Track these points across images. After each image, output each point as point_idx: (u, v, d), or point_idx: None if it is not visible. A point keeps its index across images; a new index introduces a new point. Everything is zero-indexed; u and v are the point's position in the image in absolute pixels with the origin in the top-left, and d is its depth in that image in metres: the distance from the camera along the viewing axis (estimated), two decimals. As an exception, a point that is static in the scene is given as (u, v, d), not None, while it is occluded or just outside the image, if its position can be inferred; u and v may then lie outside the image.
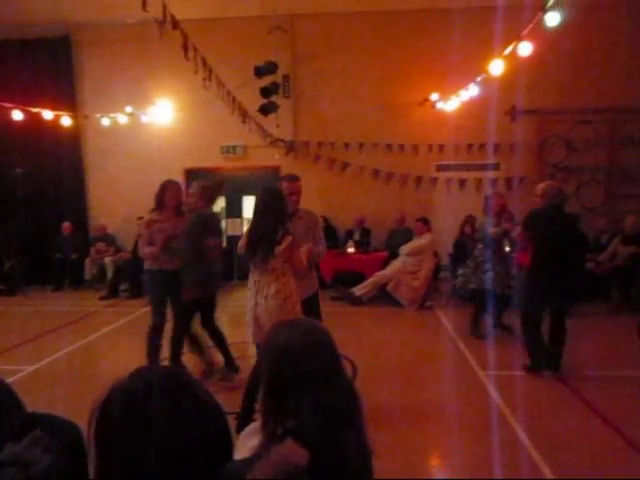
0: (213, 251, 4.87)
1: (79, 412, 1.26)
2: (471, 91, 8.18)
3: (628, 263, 7.84)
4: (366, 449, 1.62)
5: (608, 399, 4.46)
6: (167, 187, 5.12)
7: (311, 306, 4.38)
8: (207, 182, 5.19)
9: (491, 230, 6.41)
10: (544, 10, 4.72)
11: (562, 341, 5.02)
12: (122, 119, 10.13)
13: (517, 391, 4.66)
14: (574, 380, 4.90)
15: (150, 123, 10.42)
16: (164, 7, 3.91)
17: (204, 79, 5.16)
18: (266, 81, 8.89)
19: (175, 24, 4.16)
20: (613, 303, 7.74)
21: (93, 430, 1.03)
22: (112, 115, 10.01)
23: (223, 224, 11.08)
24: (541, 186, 5.23)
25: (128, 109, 10.14)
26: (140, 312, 7.67)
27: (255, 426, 1.78)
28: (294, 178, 4.61)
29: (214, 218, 5.18)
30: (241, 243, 3.92)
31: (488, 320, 6.63)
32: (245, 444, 1.83)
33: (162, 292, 5.00)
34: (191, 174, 10.56)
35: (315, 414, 1.48)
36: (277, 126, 9.87)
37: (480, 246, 6.79)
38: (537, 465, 3.42)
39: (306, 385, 1.52)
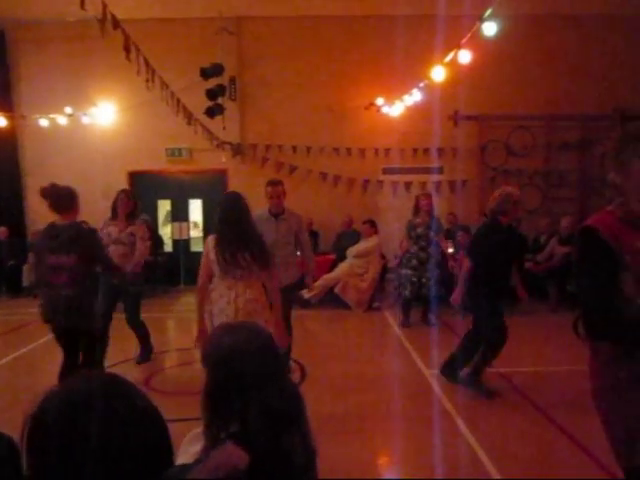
0: (57, 272, 3.88)
1: (10, 425, 1.21)
2: (415, 96, 8.37)
3: (564, 263, 8.19)
4: (310, 450, 1.64)
5: (546, 393, 4.65)
6: (117, 196, 5.50)
7: (290, 293, 5.13)
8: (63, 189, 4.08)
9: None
10: (481, 20, 4.89)
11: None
12: (62, 120, 9.80)
13: (460, 388, 4.79)
14: (514, 375, 5.08)
15: (92, 124, 10.13)
16: (104, 6, 3.81)
17: (147, 80, 5.06)
18: (212, 83, 8.81)
19: (116, 24, 4.07)
20: (551, 301, 8.07)
21: (27, 440, 1.00)
22: (51, 116, 9.67)
23: (168, 229, 10.91)
24: (497, 192, 4.80)
25: (68, 110, 9.83)
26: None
27: (198, 431, 1.76)
28: (276, 182, 5.20)
29: (70, 229, 3.97)
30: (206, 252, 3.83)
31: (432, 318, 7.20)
32: (188, 450, 1.81)
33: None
34: (136, 177, 10.35)
35: (260, 417, 1.49)
36: (224, 129, 9.79)
37: (415, 247, 7.12)
38: (479, 457, 3.54)
39: (250, 389, 1.52)
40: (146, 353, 5.72)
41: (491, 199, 4.74)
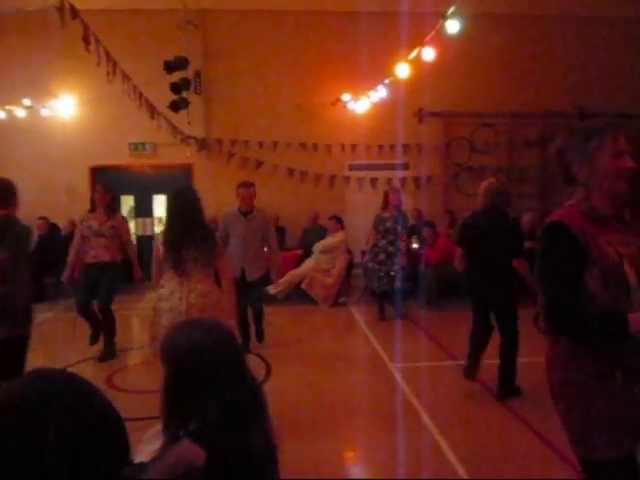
0: None
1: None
2: (380, 93, 8.42)
3: (526, 257, 8.37)
4: (271, 445, 1.64)
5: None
6: (94, 190, 5.89)
7: (258, 287, 5.64)
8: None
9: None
10: (444, 18, 4.95)
11: (506, 361, 4.47)
12: (20, 112, 9.52)
13: (422, 381, 4.87)
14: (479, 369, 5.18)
15: (52, 117, 9.86)
16: (62, -4, 3.72)
17: (108, 73, 4.96)
18: (177, 77, 8.68)
19: (74, 14, 3.96)
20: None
21: None
22: (8, 108, 9.37)
23: (132, 225, 10.72)
24: (483, 184, 4.63)
25: (26, 102, 9.55)
26: (46, 316, 7.27)
27: (158, 429, 1.74)
28: (248, 185, 5.59)
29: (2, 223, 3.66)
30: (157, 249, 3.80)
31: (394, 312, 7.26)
32: (147, 448, 1.79)
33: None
34: (98, 172, 10.13)
35: (218, 414, 1.48)
36: (188, 123, 9.68)
37: (383, 241, 7.17)
38: (442, 450, 3.60)
39: (210, 385, 1.51)
40: (110, 351, 5.72)
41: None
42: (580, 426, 1.84)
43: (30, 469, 0.94)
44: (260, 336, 6.02)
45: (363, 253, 9.35)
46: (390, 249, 7.14)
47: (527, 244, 8.47)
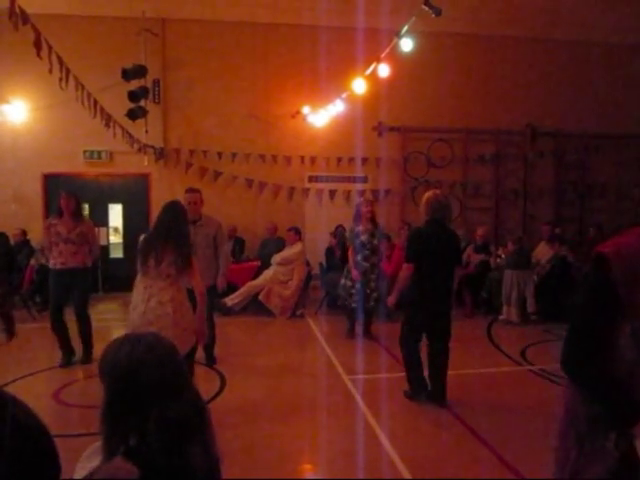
0: None
1: None
2: (338, 107, 8.52)
3: (479, 269, 8.59)
4: (213, 458, 1.62)
5: (457, 395, 4.83)
6: (60, 197, 5.82)
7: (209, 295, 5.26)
8: None
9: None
10: (399, 36, 5.06)
11: (445, 369, 4.69)
12: (-32, 117, 9.21)
13: (377, 392, 4.91)
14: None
15: (2, 123, 9.57)
16: (11, 0, 3.62)
17: (60, 79, 4.85)
18: (134, 85, 8.58)
19: (26, 19, 3.87)
20: (466, 307, 8.41)
21: None
22: (-44, 112, 9.06)
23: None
24: (426, 195, 4.73)
25: (-24, 107, 9.25)
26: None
27: (97, 446, 1.70)
28: (193, 190, 5.65)
29: None
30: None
31: (359, 329, 6.96)
32: (86, 466, 1.75)
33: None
34: (51, 180, 9.87)
35: (158, 430, 1.46)
36: (146, 132, 9.57)
37: (359, 256, 6.72)
38: (392, 459, 3.63)
39: (149, 400, 1.49)
40: (88, 352, 5.90)
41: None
42: (563, 455, 1.80)
43: None
44: (210, 361, 5.84)
45: (321, 265, 9.41)
46: (365, 264, 6.69)
47: (479, 257, 8.75)
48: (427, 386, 4.77)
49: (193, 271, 3.90)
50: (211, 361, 5.82)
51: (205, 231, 5.56)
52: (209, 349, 5.81)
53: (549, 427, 1.97)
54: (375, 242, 6.75)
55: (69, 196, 5.79)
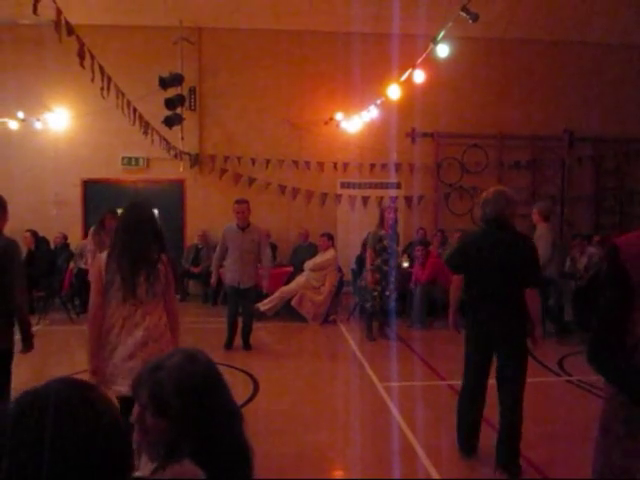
0: None
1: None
2: (372, 113, 8.51)
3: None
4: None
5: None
6: (105, 215, 6.40)
7: (249, 296, 6.53)
8: None
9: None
10: (435, 42, 5.03)
11: (518, 430, 3.48)
12: (13, 125, 9.53)
13: (412, 401, 4.85)
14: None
15: (45, 131, 9.87)
16: (58, 12, 3.75)
17: (102, 88, 4.98)
18: (171, 93, 8.75)
19: (71, 30, 4.00)
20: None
21: None
22: (1, 120, 9.38)
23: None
24: (486, 192, 3.78)
25: (20, 115, 9.56)
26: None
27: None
28: (241, 201, 6.37)
29: None
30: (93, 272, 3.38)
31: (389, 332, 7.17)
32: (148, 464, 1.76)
33: None
34: (89, 186, 10.13)
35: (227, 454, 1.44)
36: (182, 139, 9.74)
37: (379, 260, 7.04)
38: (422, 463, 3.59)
39: (219, 420, 1.46)
40: None
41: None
42: (598, 462, 1.80)
43: (27, 475, 0.91)
44: (247, 346, 6.61)
45: (353, 271, 9.38)
46: (385, 268, 7.02)
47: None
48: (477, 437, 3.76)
49: (171, 289, 3.38)
50: (247, 345, 6.59)
51: (251, 237, 6.35)
52: (246, 336, 6.59)
53: (589, 435, 1.94)
54: (394, 246, 7.12)
55: (113, 217, 6.17)
